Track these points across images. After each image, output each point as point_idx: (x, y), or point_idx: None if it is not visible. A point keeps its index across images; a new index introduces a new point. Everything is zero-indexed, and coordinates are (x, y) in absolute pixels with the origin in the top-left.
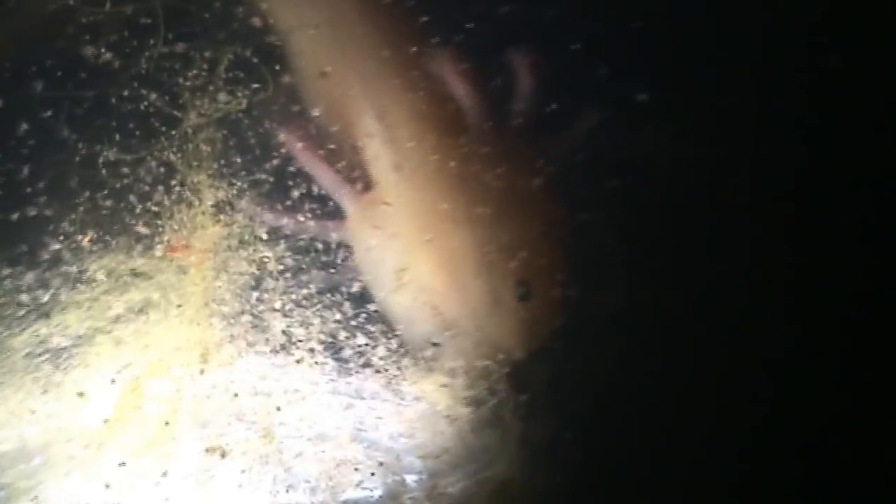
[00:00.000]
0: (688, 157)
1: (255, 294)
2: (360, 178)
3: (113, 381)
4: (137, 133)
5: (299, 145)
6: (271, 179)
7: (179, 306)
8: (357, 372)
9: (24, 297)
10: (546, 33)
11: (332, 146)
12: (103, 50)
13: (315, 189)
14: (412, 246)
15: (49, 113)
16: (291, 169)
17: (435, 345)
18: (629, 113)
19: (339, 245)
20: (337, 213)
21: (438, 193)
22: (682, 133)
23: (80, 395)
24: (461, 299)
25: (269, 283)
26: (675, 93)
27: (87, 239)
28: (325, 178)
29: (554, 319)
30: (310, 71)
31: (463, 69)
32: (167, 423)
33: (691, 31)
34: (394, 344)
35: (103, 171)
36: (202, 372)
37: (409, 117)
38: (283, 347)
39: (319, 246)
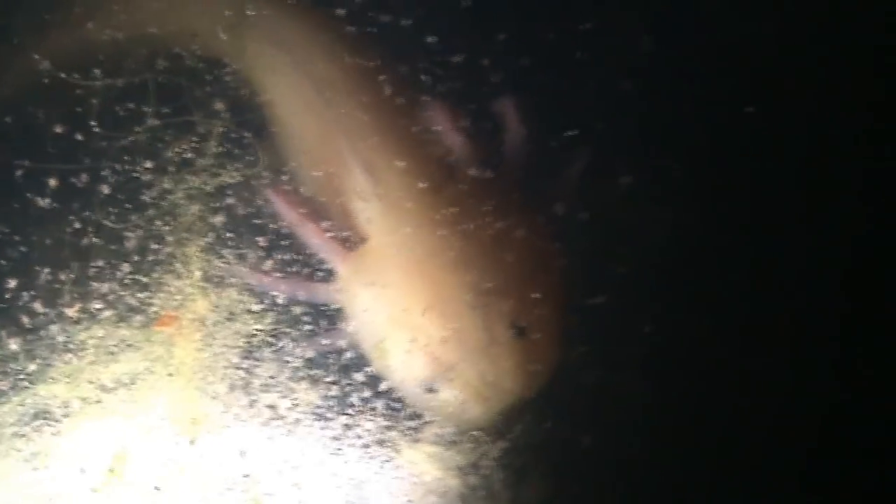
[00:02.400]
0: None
1: (244, 365)
2: (350, 236)
3: (101, 450)
4: (127, 205)
5: (288, 208)
6: (261, 253)
7: (169, 376)
8: (345, 443)
9: (11, 367)
10: (531, 80)
11: (321, 206)
12: (94, 122)
13: (305, 258)
14: (405, 296)
15: (38, 183)
16: (282, 242)
17: (432, 391)
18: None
19: (329, 315)
20: (328, 279)
21: (430, 243)
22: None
23: (69, 464)
24: (457, 343)
25: (258, 354)
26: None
27: (74, 309)
28: (316, 240)
29: (550, 357)
30: (294, 130)
31: (450, 120)
32: (156, 492)
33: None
34: (381, 415)
35: (92, 242)
36: (191, 442)
37: (397, 171)
38: (271, 418)
39: (308, 318)
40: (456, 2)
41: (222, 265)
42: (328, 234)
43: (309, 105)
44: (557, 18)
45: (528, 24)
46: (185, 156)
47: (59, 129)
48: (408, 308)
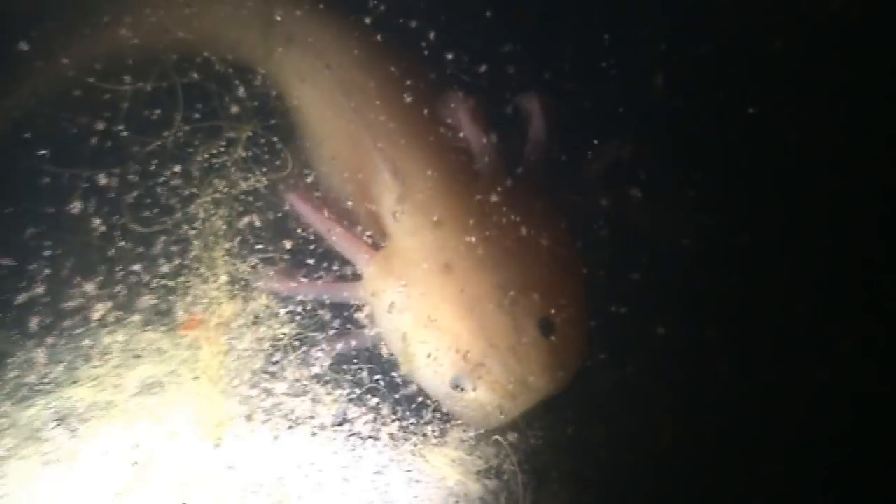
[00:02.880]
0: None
1: (270, 369)
2: (377, 238)
3: (125, 454)
4: (155, 209)
5: (315, 212)
6: (286, 256)
7: (194, 380)
8: (369, 446)
9: (37, 370)
10: (556, 87)
11: (348, 209)
12: (122, 126)
13: (332, 261)
14: (432, 297)
15: (66, 188)
16: (309, 246)
17: (459, 389)
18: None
19: (355, 318)
20: (354, 281)
21: (455, 241)
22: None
23: (93, 467)
24: (484, 342)
25: (283, 358)
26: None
27: (100, 313)
28: (343, 243)
29: (576, 357)
30: (321, 134)
31: (476, 125)
32: (181, 495)
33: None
34: (405, 418)
35: (120, 246)
36: (216, 445)
37: (424, 175)
38: (295, 422)
39: (334, 322)
40: (481, 10)
41: (248, 269)
42: (355, 237)
43: (337, 110)
44: (580, 26)
45: (551, 32)
46: (213, 160)
47: (87, 134)
48: (434, 309)
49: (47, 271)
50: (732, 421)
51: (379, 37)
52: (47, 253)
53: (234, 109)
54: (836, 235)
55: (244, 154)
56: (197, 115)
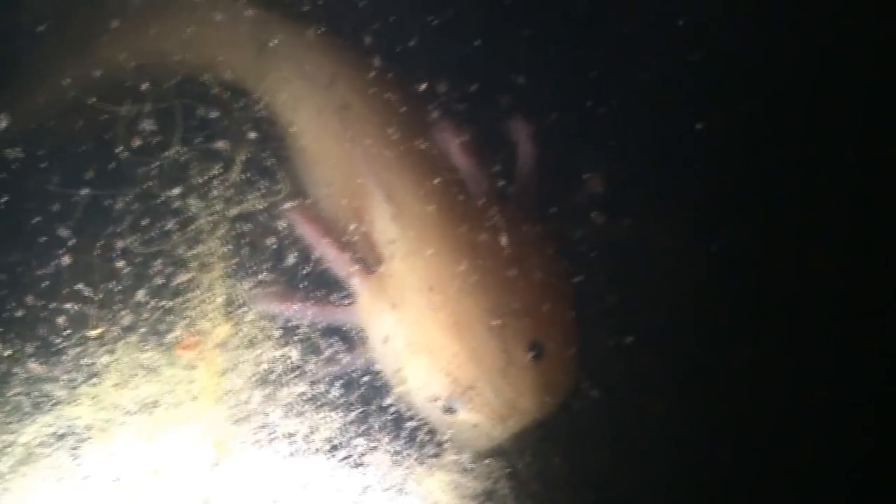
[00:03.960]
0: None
1: (265, 391)
2: (371, 260)
3: (124, 473)
4: (152, 229)
5: (311, 233)
6: (283, 278)
7: (192, 400)
8: (364, 469)
9: (36, 388)
10: (550, 111)
11: (343, 231)
12: (120, 147)
13: (327, 283)
14: (425, 318)
15: (62, 208)
16: (305, 267)
17: (451, 411)
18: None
19: (350, 339)
20: (349, 303)
21: (447, 263)
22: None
23: (92, 485)
24: (476, 364)
25: (279, 380)
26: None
27: (97, 332)
28: (338, 264)
29: (567, 380)
30: (316, 157)
31: (470, 149)
32: None
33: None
34: (399, 441)
35: (117, 266)
36: (215, 465)
37: (418, 198)
38: (291, 443)
39: (329, 344)
40: (472, 35)
41: (245, 290)
42: (350, 259)
43: (332, 133)
44: (573, 46)
45: (544, 53)
46: (210, 182)
47: (85, 155)
48: (428, 330)
49: (46, 289)
50: (729, 450)
51: (374, 62)
52: (45, 271)
53: (232, 132)
54: (845, 257)
55: (242, 176)
56: (194, 138)
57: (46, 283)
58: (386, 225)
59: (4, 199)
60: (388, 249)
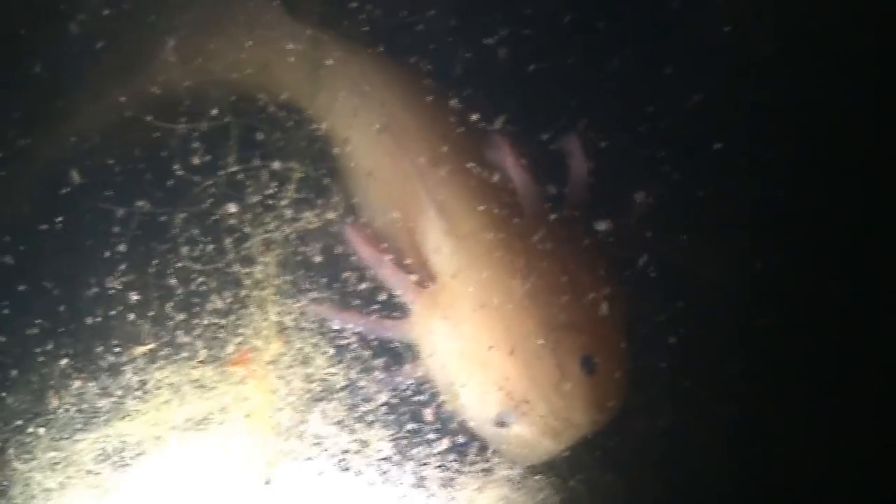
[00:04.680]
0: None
1: (317, 407)
2: (425, 274)
3: (174, 490)
4: (206, 247)
5: (364, 249)
6: (336, 295)
7: (244, 417)
8: (415, 485)
9: (87, 405)
10: (606, 132)
11: (396, 246)
12: (176, 165)
13: (380, 298)
14: (478, 332)
15: (118, 225)
16: (358, 284)
17: (503, 426)
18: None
19: (402, 356)
20: (402, 318)
21: (500, 279)
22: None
23: (141, 502)
24: (529, 378)
25: (331, 396)
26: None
27: (148, 349)
28: (391, 279)
29: (620, 395)
30: (370, 175)
31: (519, 160)
32: None
33: None
34: (450, 457)
35: (170, 284)
36: (266, 483)
37: (472, 213)
38: (343, 461)
39: (381, 361)
40: (527, 56)
41: (298, 307)
42: (403, 275)
43: (386, 151)
44: (628, 68)
45: (599, 74)
46: (265, 200)
47: (141, 173)
48: (480, 344)
49: (100, 305)
50: (783, 469)
51: (429, 82)
52: (100, 288)
53: (287, 150)
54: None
55: (296, 195)
56: (251, 156)
57: (100, 299)
58: (439, 241)
59: (61, 216)
60: (440, 266)
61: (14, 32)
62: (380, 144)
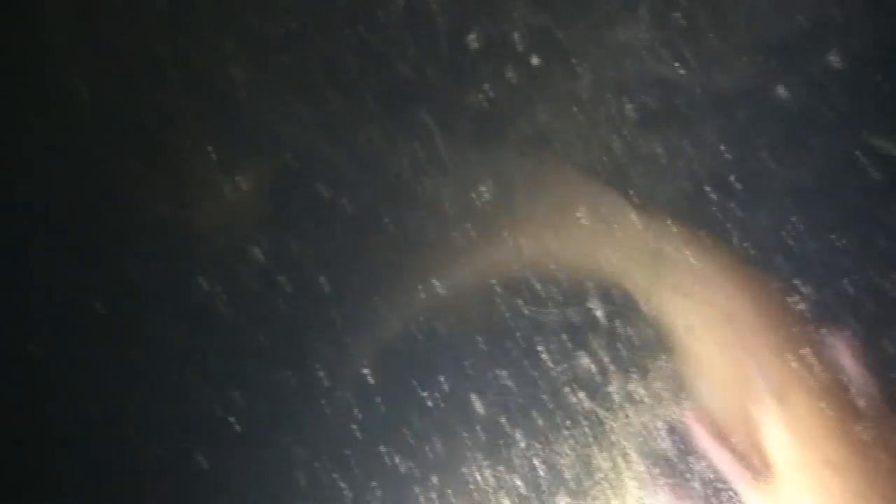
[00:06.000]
0: None
1: None
2: (759, 466)
3: None
4: (566, 432)
5: (706, 435)
6: (697, 485)
7: None
8: None
9: None
10: None
11: (728, 431)
12: (540, 348)
13: (716, 490)
14: None
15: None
16: (693, 473)
17: None
18: None
19: None
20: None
21: (841, 480)
22: None
23: None
24: None
25: None
26: None
27: None
28: (728, 467)
29: None
30: (707, 364)
31: (854, 353)
32: None
33: None
34: None
35: (536, 464)
36: None
37: (808, 404)
38: None
39: None
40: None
41: (637, 492)
42: (740, 465)
43: (724, 342)
44: None
45: None
46: (623, 390)
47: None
48: None
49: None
50: None
51: (774, 280)
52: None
53: (649, 343)
54: None
55: (654, 385)
56: (610, 347)
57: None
58: (776, 429)
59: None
60: (779, 456)
61: None
62: (718, 335)
